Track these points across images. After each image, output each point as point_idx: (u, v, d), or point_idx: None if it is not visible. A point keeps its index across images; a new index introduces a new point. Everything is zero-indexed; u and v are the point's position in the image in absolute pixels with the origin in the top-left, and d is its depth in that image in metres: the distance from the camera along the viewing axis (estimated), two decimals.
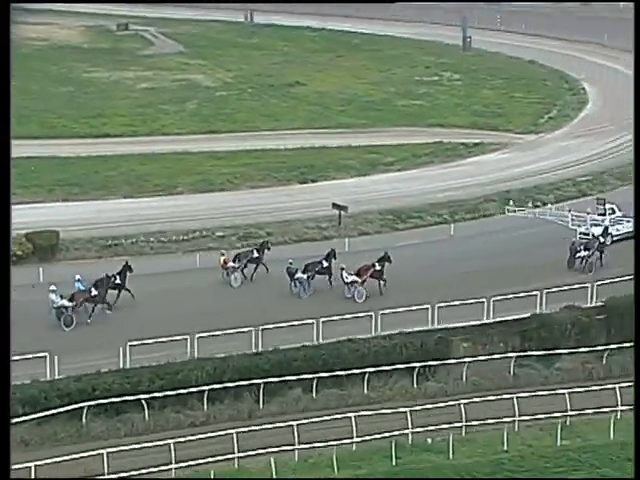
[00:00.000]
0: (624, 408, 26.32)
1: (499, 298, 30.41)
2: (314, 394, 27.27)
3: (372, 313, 29.28)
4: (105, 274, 30.58)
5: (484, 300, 30.37)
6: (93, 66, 72.34)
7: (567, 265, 34.56)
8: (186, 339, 27.52)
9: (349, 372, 27.63)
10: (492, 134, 54.83)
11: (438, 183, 45.69)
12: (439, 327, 29.79)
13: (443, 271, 34.39)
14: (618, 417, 26.22)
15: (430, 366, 28.43)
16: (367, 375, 27.61)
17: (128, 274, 31.44)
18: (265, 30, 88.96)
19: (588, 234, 36.88)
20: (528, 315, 30.55)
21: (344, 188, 44.73)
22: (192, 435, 24.71)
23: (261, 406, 26.76)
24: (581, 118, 59.16)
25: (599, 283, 31.62)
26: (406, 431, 25.57)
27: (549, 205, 41.72)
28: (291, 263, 32.47)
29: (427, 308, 29.82)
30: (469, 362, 28.56)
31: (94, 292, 30.05)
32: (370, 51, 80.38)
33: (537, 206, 42.01)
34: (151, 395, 25.90)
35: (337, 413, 25.98)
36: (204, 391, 26.38)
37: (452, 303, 30.09)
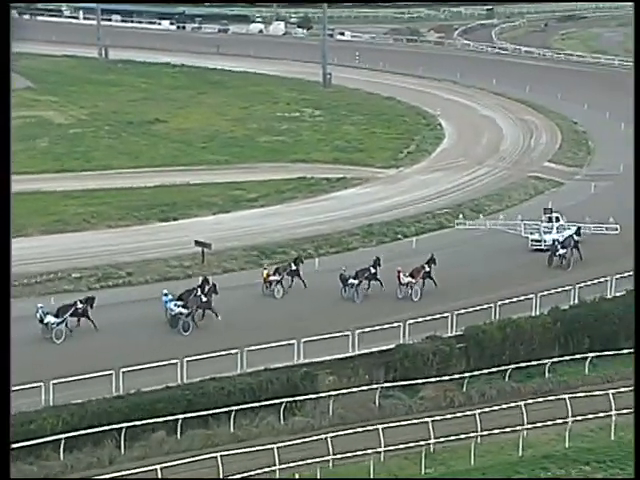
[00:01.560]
0: (484, 433, 27.15)
1: (366, 330, 31.00)
2: (178, 435, 27.01)
3: (237, 350, 29.32)
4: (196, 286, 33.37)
5: (349, 333, 30.90)
6: None
7: (547, 263, 38.89)
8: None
9: (215, 411, 27.51)
10: (354, 169, 55.99)
11: (302, 218, 46.28)
12: (305, 362, 30.10)
13: (308, 305, 34.80)
14: (479, 442, 27.01)
15: (297, 401, 28.65)
16: (233, 413, 27.53)
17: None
18: (121, 66, 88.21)
19: (540, 241, 40.83)
20: (393, 346, 31.26)
21: (207, 225, 44.69)
22: None
23: (123, 451, 26.29)
24: (438, 152, 61.09)
25: (459, 312, 32.60)
26: (273, 467, 25.62)
27: (500, 216, 44.77)
28: (345, 270, 35.55)
29: (293, 343, 30.10)
30: (335, 395, 28.92)
31: (204, 299, 32.93)
32: (232, 88, 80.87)
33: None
34: None
35: (202, 453, 25.79)
36: (60, 440, 25.65)
37: (318, 337, 30.45)
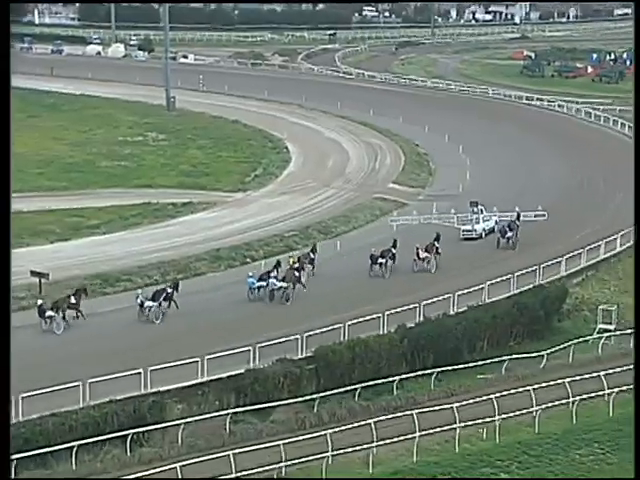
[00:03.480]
0: (335, 453, 27.47)
1: (214, 356, 30.88)
2: (12, 476, 25.73)
3: (80, 383, 28.60)
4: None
5: (198, 359, 30.70)
6: None
7: (496, 245, 44.78)
8: None
9: (54, 449, 26.56)
10: (201, 193, 55.78)
11: (148, 244, 45.61)
12: (152, 391, 29.66)
13: (152, 332, 34.43)
14: (330, 462, 27.30)
15: (144, 432, 28.15)
16: (75, 449, 26.76)
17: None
18: None
19: (471, 230, 46.52)
20: (242, 371, 31.24)
21: (45, 254, 43.28)
22: None
23: None
24: (285, 175, 61.75)
25: (308, 334, 32.91)
26: None
27: (434, 210, 49.24)
28: (374, 250, 41.18)
29: (139, 373, 29.64)
30: (184, 423, 28.60)
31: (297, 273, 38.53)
32: (68, 111, 79.11)
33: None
34: None
35: None
36: None
37: (166, 365, 30.11)
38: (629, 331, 36.51)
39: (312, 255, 42.05)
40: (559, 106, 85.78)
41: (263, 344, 32.01)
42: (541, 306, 37.78)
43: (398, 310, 35.24)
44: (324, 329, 33.47)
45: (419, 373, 32.91)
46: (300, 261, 40.44)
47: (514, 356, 34.33)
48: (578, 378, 32.06)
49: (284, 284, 38.36)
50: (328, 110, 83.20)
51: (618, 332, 37.29)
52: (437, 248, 42.30)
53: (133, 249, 44.86)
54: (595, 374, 32.50)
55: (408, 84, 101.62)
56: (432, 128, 74.26)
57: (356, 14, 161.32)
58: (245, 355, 31.62)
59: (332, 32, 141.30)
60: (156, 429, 28.37)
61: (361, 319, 34.29)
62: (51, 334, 34.40)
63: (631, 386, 31.34)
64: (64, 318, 34.68)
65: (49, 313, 34.57)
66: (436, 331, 34.52)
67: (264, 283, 38.47)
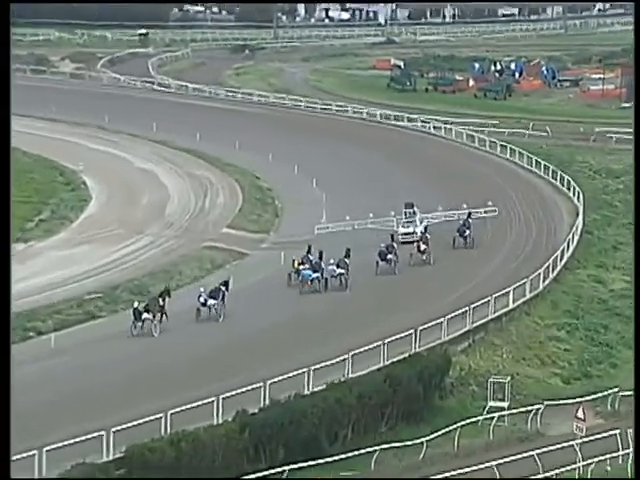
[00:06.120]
0: None
1: None
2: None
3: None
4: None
5: None
6: None
7: (452, 244, 55.06)
8: None
9: None
10: None
11: None
12: None
13: None
14: None
15: None
16: None
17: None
18: None
19: (411, 233, 55.96)
20: None
21: None
22: None
23: None
24: (83, 219, 61.24)
25: (116, 429, 32.44)
26: None
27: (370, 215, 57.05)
28: (385, 247, 51.66)
29: None
30: None
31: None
32: None
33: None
34: None
35: None
36: None
37: None
38: (526, 409, 37.71)
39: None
40: (435, 128, 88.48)
41: (52, 446, 31.24)
42: (419, 380, 38.64)
43: (236, 392, 35.21)
44: (140, 421, 33.12)
45: (265, 473, 32.97)
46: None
47: (386, 445, 34.89)
48: (466, 469, 32.77)
49: (342, 270, 49.12)
50: (140, 133, 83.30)
51: (513, 410, 38.44)
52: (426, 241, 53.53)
53: None
54: (486, 464, 33.32)
55: (245, 100, 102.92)
56: (277, 156, 75.43)
57: (175, 9, 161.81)
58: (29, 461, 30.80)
59: (143, 32, 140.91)
60: None
61: (189, 405, 34.13)
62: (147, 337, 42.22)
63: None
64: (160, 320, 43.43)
65: (145, 315, 43.03)
66: (286, 417, 34.76)
67: (338, 269, 49.14)
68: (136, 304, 43.67)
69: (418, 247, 52.97)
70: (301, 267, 49.28)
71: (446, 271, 52.20)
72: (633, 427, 34.05)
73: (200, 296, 45.09)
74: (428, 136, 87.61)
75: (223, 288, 45.74)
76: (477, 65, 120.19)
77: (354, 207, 60.04)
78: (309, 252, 50.72)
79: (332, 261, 49.41)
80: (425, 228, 55.30)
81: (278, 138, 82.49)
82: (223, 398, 34.80)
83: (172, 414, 33.68)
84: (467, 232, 55.45)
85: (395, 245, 52.45)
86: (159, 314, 43.61)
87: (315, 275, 49.08)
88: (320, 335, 42.82)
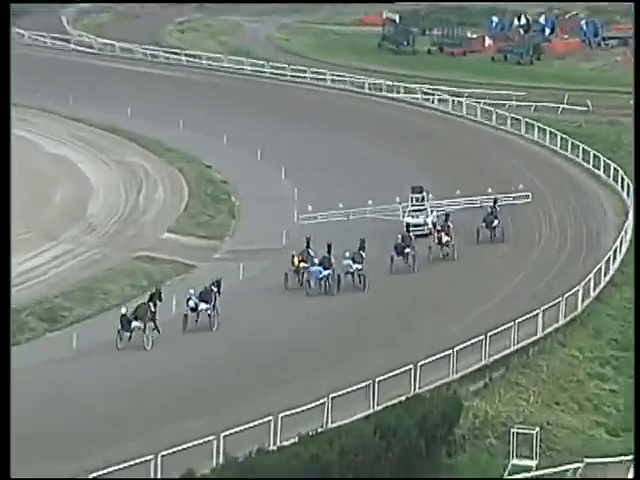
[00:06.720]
0: None
1: None
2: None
3: None
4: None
5: None
6: None
7: (476, 239, 58.01)
8: None
9: None
10: None
11: None
12: None
13: None
14: None
15: None
16: None
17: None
18: None
19: (421, 225, 58.58)
20: None
21: None
22: None
23: None
24: None
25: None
26: None
27: (369, 201, 59.60)
28: (401, 239, 54.94)
29: None
30: None
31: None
32: None
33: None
34: None
35: None
36: None
37: None
38: (559, 468, 37.94)
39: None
40: (440, 101, 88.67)
41: None
42: (420, 432, 38.76)
43: (177, 449, 35.15)
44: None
45: None
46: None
47: None
48: None
49: (359, 266, 51.86)
50: (52, 108, 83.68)
51: (543, 470, 38.68)
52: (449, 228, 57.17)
53: None
54: None
55: (191, 65, 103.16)
56: (234, 139, 75.96)
57: None
58: None
59: None
60: None
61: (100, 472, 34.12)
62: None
63: None
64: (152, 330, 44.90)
65: (135, 324, 44.49)
66: None
67: (355, 265, 51.70)
68: (124, 310, 45.30)
69: (439, 239, 56.20)
70: (302, 265, 51.29)
71: (474, 273, 54.95)
72: (633, 425, 35.98)
73: (190, 299, 46.59)
74: (430, 112, 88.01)
75: (215, 289, 47.12)
76: (495, 19, 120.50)
77: (335, 200, 59.75)
78: (308, 246, 52.55)
79: (347, 254, 51.77)
80: (446, 216, 58.14)
81: (235, 115, 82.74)
82: (162, 455, 34.77)
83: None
84: (495, 222, 58.35)
85: (412, 237, 55.64)
86: (151, 322, 44.74)
87: (326, 272, 51.12)
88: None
